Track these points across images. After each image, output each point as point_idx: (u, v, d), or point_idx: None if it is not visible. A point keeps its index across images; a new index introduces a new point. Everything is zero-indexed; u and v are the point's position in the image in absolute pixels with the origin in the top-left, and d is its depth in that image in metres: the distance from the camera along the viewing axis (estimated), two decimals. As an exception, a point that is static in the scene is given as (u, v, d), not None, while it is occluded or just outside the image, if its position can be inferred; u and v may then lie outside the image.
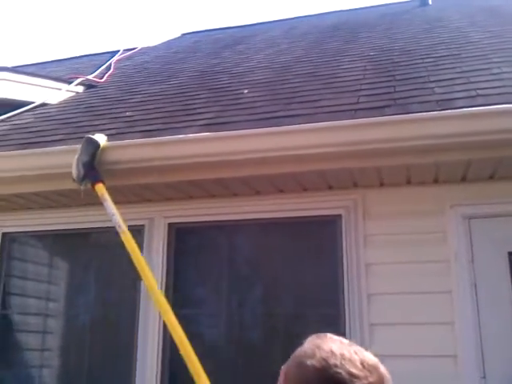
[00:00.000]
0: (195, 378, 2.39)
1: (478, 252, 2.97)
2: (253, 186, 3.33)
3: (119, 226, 2.92)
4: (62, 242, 3.95)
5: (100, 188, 3.07)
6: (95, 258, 3.81)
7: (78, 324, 3.73)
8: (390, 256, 3.11)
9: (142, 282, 3.31)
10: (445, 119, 2.74)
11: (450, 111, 2.77)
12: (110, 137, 3.38)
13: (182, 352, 2.50)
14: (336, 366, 1.00)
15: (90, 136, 3.20)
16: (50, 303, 3.88)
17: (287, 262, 3.40)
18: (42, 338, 3.85)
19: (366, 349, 1.11)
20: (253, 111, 3.60)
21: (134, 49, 7.55)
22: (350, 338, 2.86)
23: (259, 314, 3.39)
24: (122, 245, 2.91)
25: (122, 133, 3.48)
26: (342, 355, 1.02)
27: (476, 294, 2.90)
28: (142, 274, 2.79)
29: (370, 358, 1.06)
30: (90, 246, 3.91)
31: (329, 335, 1.13)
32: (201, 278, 3.53)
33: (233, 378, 3.27)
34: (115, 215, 2.95)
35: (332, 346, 1.06)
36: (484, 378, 2.78)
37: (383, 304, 3.04)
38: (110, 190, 3.09)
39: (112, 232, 3.03)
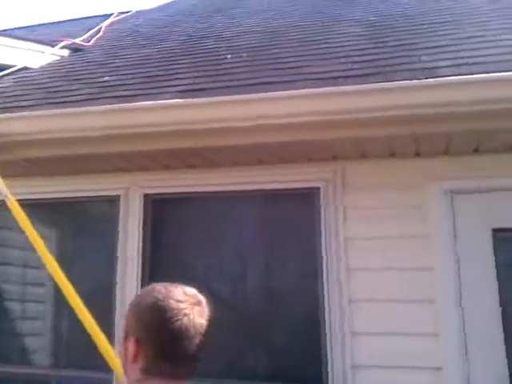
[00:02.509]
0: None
1: (461, 228, 2.84)
2: (230, 157, 3.20)
3: (6, 197, 2.75)
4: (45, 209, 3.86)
5: None
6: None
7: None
8: (370, 230, 2.99)
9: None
10: (423, 88, 2.58)
11: (428, 80, 2.60)
12: (81, 102, 3.25)
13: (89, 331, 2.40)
14: (164, 298, 1.35)
15: None
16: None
17: (265, 235, 3.29)
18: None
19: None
20: (233, 77, 3.44)
21: (128, 12, 7.33)
22: (328, 314, 2.85)
23: (236, 288, 3.31)
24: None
25: (94, 98, 3.34)
26: (169, 290, 1.38)
27: (459, 271, 2.79)
28: (36, 248, 2.60)
29: (190, 289, 1.42)
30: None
31: (160, 284, 1.44)
32: (178, 250, 3.42)
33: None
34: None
35: (161, 288, 1.40)
36: (466, 356, 2.69)
37: (362, 280, 2.94)
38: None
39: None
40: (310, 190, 3.14)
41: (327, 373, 2.88)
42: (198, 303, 1.39)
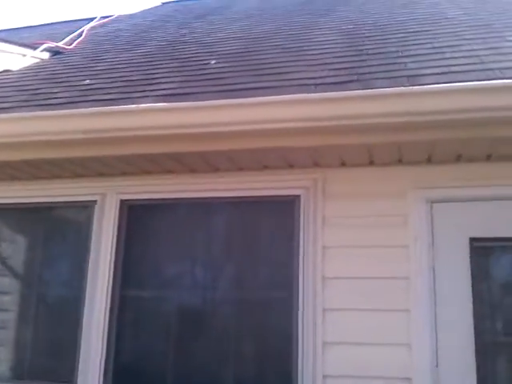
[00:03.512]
0: None
1: (438, 236, 2.84)
2: (211, 163, 3.17)
3: None
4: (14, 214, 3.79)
5: None
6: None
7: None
8: (349, 239, 2.98)
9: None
10: (405, 96, 2.58)
11: (410, 87, 2.61)
12: (61, 105, 3.21)
13: None
14: None
15: None
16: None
17: (245, 242, 3.26)
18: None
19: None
20: (216, 82, 3.42)
21: (111, 16, 7.30)
22: (302, 323, 2.82)
23: (213, 296, 3.26)
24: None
25: (74, 102, 3.29)
26: None
27: (434, 281, 2.79)
28: None
29: None
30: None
31: None
32: (151, 258, 3.37)
33: (181, 359, 3.17)
34: None
35: None
36: (437, 366, 2.68)
37: (338, 288, 2.93)
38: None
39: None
40: (290, 198, 3.13)
41: (297, 382, 2.86)
42: None
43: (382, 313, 2.83)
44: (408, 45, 3.66)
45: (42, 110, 3.19)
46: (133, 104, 3.06)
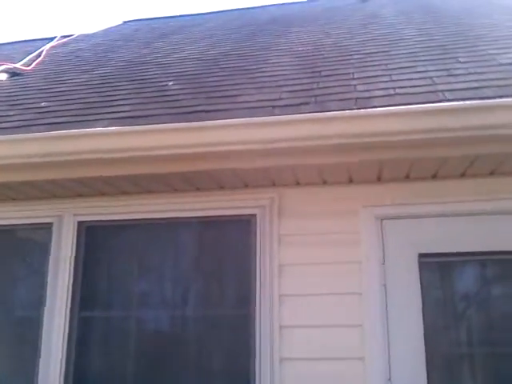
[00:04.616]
0: None
1: (389, 253, 2.93)
2: (167, 184, 3.21)
3: None
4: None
5: None
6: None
7: None
8: (304, 257, 3.05)
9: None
10: (354, 118, 2.67)
11: (358, 110, 2.71)
12: (16, 129, 3.21)
13: None
14: None
15: None
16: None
17: (201, 262, 3.31)
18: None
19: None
20: (171, 105, 3.47)
21: (71, 35, 7.28)
22: (259, 340, 2.86)
23: (170, 316, 3.28)
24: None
25: (29, 125, 3.29)
26: None
27: (386, 296, 2.87)
28: None
29: None
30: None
31: None
32: (111, 279, 3.39)
33: (142, 378, 3.17)
34: None
35: None
36: (390, 380, 2.76)
37: (294, 306, 2.98)
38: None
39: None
40: (246, 217, 3.18)
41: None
42: None
43: (337, 328, 2.90)
44: (364, 66, 3.78)
45: (-4, 134, 3.18)
46: (88, 127, 3.08)
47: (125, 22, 8.22)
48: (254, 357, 2.93)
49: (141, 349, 3.22)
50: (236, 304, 3.18)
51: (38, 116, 3.58)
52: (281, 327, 2.95)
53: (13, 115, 3.69)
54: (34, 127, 3.26)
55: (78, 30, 9.43)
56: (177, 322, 3.28)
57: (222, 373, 3.14)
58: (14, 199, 3.42)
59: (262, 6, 8.12)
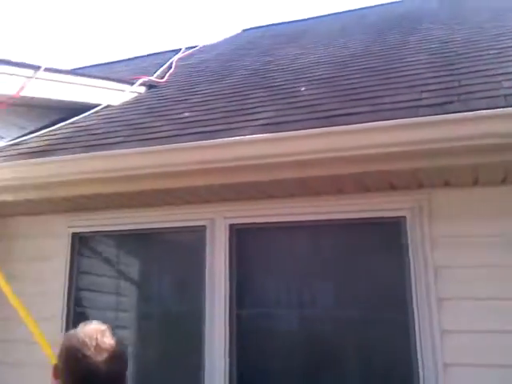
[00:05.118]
0: None
1: None
2: (312, 187, 3.29)
3: None
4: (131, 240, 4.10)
5: None
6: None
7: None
8: (462, 259, 3.02)
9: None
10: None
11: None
12: (167, 139, 3.45)
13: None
14: (77, 349, 1.56)
15: None
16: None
17: (351, 264, 3.37)
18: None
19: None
20: (309, 110, 3.54)
21: (195, 47, 7.65)
22: (420, 345, 2.87)
23: (331, 316, 3.37)
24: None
25: (180, 135, 3.52)
26: (83, 342, 1.56)
27: None
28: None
29: (104, 341, 1.58)
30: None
31: (88, 323, 1.66)
32: (263, 278, 3.55)
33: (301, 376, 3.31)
34: None
35: (80, 335, 1.60)
36: None
37: (455, 310, 2.96)
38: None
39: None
40: (394, 219, 3.20)
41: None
42: (96, 341, 1.57)
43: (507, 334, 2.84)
44: (502, 62, 3.64)
45: (150, 145, 3.43)
46: (235, 135, 3.23)
47: (244, 30, 8.46)
48: (416, 362, 2.94)
49: (296, 346, 3.34)
50: (393, 307, 3.19)
51: (184, 126, 3.79)
52: (442, 331, 2.94)
53: (160, 126, 3.94)
54: (183, 137, 3.46)
55: (194, 40, 9.83)
56: (327, 322, 3.37)
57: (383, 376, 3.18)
58: (170, 204, 3.68)
59: (384, 4, 7.91)
